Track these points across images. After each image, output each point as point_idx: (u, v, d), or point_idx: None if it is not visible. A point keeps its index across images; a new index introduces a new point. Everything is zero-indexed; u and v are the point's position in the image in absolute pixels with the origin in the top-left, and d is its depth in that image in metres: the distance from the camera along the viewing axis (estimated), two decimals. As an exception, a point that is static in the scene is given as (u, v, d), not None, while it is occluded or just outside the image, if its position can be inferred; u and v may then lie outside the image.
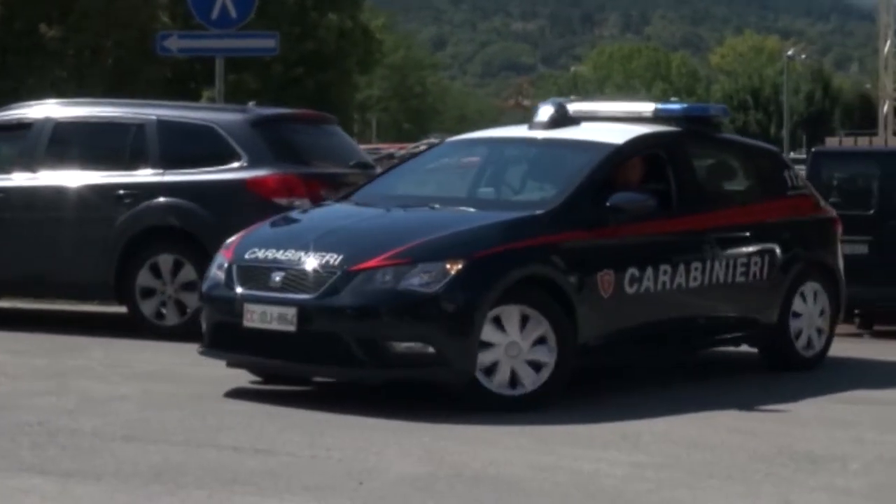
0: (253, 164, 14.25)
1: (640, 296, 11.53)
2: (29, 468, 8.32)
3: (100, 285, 14.58)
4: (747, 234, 12.74)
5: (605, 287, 11.20)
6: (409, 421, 10.11)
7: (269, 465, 8.52)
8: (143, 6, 57.65)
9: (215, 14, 19.60)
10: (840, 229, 13.97)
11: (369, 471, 8.41)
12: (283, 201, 14.05)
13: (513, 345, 10.58)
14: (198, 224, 14.18)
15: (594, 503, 7.81)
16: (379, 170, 16.58)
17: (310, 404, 10.74)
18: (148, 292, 14.33)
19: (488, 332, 10.48)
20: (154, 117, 14.85)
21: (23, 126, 15.16)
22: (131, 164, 14.57)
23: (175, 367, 12.41)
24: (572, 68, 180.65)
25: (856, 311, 16.61)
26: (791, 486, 8.24)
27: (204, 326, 11.32)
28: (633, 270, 11.43)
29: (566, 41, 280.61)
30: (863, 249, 15.85)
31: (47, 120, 15.10)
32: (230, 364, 11.38)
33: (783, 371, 13.00)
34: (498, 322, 10.54)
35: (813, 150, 23.44)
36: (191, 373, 12.07)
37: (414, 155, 14.63)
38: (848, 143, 34.91)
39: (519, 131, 13.02)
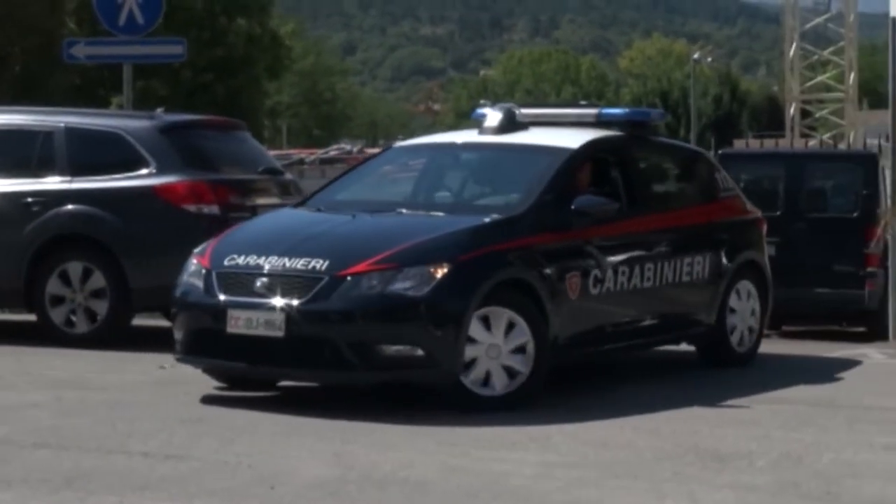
0: (161, 171, 14.22)
1: (601, 296, 11.80)
2: (-61, 476, 8.32)
3: (9, 293, 14.53)
4: (690, 235, 13.08)
5: (572, 289, 11.43)
6: (320, 425, 10.18)
7: (180, 471, 8.53)
8: (49, 13, 57.31)
9: (122, 21, 19.53)
10: (765, 229, 14.39)
11: (280, 475, 8.43)
12: (191, 208, 14.08)
13: (493, 347, 10.76)
14: (107, 231, 14.14)
15: (500, 501, 7.85)
16: (288, 175, 16.67)
17: (221, 410, 10.79)
18: (57, 300, 14.25)
19: (473, 329, 10.66)
20: (62, 125, 14.78)
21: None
22: (39, 171, 14.51)
23: (86, 374, 12.38)
24: (482, 72, 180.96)
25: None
26: (697, 483, 8.32)
27: (178, 334, 11.25)
28: (596, 272, 11.69)
29: (476, 45, 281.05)
30: (770, 251, 16.00)
31: None
32: (207, 370, 11.42)
33: (719, 367, 13.31)
34: (485, 321, 10.72)
35: (720, 152, 23.71)
36: (101, 380, 12.09)
37: (362, 161, 14.61)
38: (755, 144, 35.27)
39: (469, 136, 13.11)
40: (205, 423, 10.17)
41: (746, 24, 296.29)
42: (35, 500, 7.79)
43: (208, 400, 11.22)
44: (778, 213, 18.90)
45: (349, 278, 10.53)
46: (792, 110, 59.83)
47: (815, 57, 63.18)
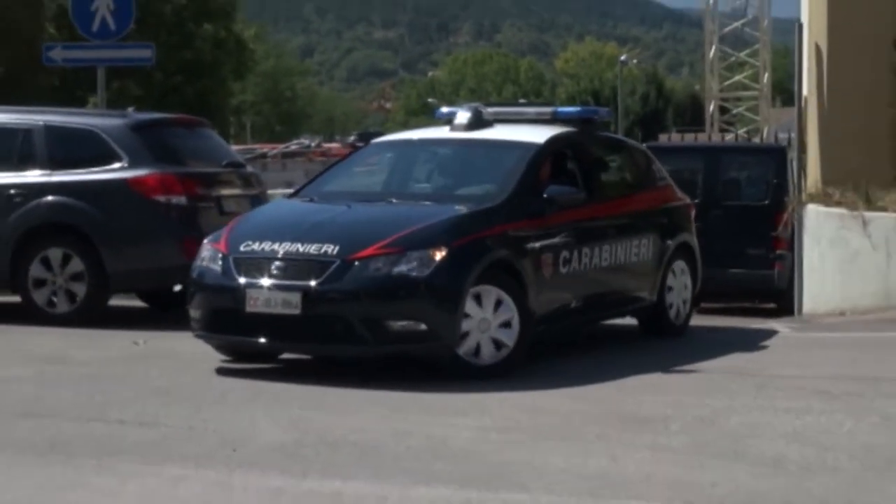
0: (133, 165, 14.22)
1: (569, 275, 12.05)
2: (-67, 443, 8.35)
3: (-6, 277, 14.55)
4: (636, 220, 13.38)
5: (546, 269, 11.67)
6: (280, 393, 10.24)
7: (152, 437, 8.58)
8: (31, 20, 57.01)
9: (96, 26, 19.48)
10: (694, 214, 14.71)
11: (242, 439, 8.47)
12: (161, 198, 14.12)
13: (484, 321, 10.98)
14: (84, 220, 14.14)
15: (443, 463, 7.88)
16: (250, 168, 16.72)
17: (190, 381, 10.83)
18: (40, 283, 14.26)
19: (467, 306, 10.87)
20: (41, 123, 14.78)
21: (-79, 133, 15.02)
22: (21, 165, 14.49)
23: (66, 350, 12.37)
24: (430, 73, 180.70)
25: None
26: (619, 444, 8.38)
27: (196, 313, 11.32)
28: (564, 253, 11.95)
29: (424, 48, 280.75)
30: (692, 235, 16.07)
31: None
32: (219, 345, 11.53)
33: (659, 338, 13.63)
34: (477, 298, 10.92)
35: (646, 145, 23.83)
36: (81, 355, 12.08)
37: (345, 155, 14.66)
38: (678, 139, 35.45)
39: (442, 133, 13.22)
40: (174, 393, 10.21)
41: (671, 29, 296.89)
42: (22, 464, 7.83)
43: (177, 372, 11.27)
44: (697, 201, 19.04)
45: (358, 262, 10.69)
46: (712, 107, 60.08)
47: (733, 58, 63.43)
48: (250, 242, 11.14)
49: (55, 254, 14.24)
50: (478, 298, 10.93)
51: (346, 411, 9.53)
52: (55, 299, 14.28)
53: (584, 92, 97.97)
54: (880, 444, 8.42)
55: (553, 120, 13.38)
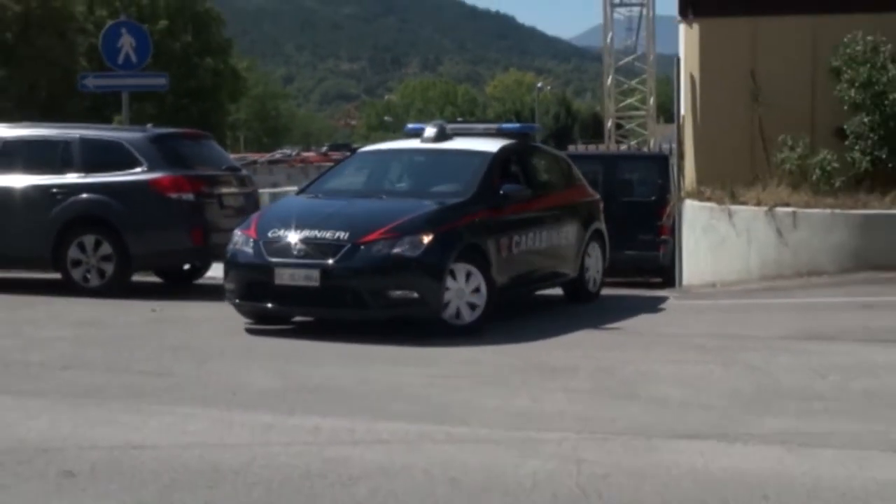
0: (151, 169, 14.12)
1: (519, 254, 12.24)
2: (-8, 390, 8.32)
3: (41, 258, 14.42)
4: (564, 212, 13.51)
5: (503, 249, 11.84)
6: (269, 350, 10.22)
7: (168, 384, 8.57)
8: (67, 53, 56.64)
9: (121, 59, 19.39)
10: (602, 207, 14.87)
11: (240, 386, 8.48)
12: (174, 195, 14.05)
13: (460, 290, 11.14)
14: (112, 213, 14.03)
15: (400, 402, 7.91)
16: (244, 172, 16.64)
17: (197, 341, 10.77)
18: (76, 263, 14.14)
19: (447, 280, 11.03)
20: (77, 135, 14.67)
21: (-20, 143, 14.91)
22: (61, 169, 14.34)
23: (98, 316, 12.28)
24: (386, 97, 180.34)
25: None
26: (538, 388, 8.41)
27: (231, 286, 11.38)
28: (515, 237, 12.14)
29: (381, 77, 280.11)
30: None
31: None
32: (252, 311, 11.48)
33: (579, 304, 13.77)
34: (452, 273, 11.07)
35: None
36: (109, 320, 12.02)
37: (336, 162, 14.57)
38: (583, 149, 35.47)
39: (414, 144, 13.31)
40: (185, 349, 10.18)
41: (577, 62, 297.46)
42: (64, 405, 7.81)
43: (187, 334, 11.21)
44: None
45: (364, 245, 10.83)
46: (609, 124, 60.03)
47: (626, 85, 63.50)
48: (276, 230, 11.24)
49: (89, 240, 14.13)
50: (453, 273, 11.10)
51: (320, 363, 9.53)
52: (89, 276, 14.16)
53: (509, 112, 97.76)
54: (744, 387, 8.47)
55: (498, 134, 13.53)
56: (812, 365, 9.29)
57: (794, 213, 16.16)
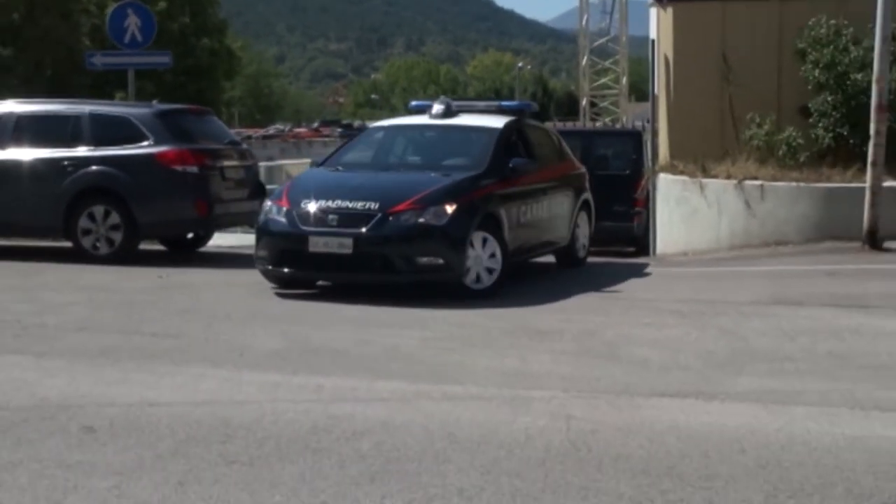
0: (157, 143, 14.07)
1: (525, 223, 12.39)
2: (13, 351, 8.32)
3: (52, 228, 14.39)
4: (559, 183, 13.67)
5: (513, 218, 11.95)
6: (271, 313, 10.22)
7: (178, 345, 8.57)
8: (71, 32, 56.30)
9: (127, 38, 19.33)
10: (587, 178, 14.95)
11: (246, 347, 8.47)
12: (178, 168, 14.02)
13: (478, 257, 11.29)
14: (120, 184, 13.98)
15: (394, 363, 7.93)
16: (244, 145, 16.62)
17: (203, 304, 10.75)
18: (86, 232, 14.12)
19: (468, 249, 11.19)
20: (87, 111, 14.61)
21: (-6, 119, 14.84)
22: (72, 143, 14.28)
23: (108, 282, 12.28)
24: (372, 76, 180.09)
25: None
26: (526, 350, 8.44)
27: (264, 252, 11.41)
28: (523, 207, 12.29)
29: (368, 56, 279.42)
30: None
31: (11, 114, 14.78)
32: (284, 277, 11.46)
33: (569, 268, 13.99)
34: (471, 242, 11.22)
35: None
36: (119, 286, 12.00)
37: (351, 137, 14.57)
38: (560, 126, 35.45)
39: (423, 120, 13.32)
40: (192, 313, 10.18)
41: (553, 43, 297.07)
42: (80, 364, 7.83)
43: (192, 298, 11.19)
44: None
45: (393, 215, 10.93)
46: (584, 102, 60.00)
47: (600, 66, 63.45)
48: (308, 200, 11.29)
49: (98, 210, 14.09)
50: (472, 241, 11.25)
51: (320, 326, 9.53)
52: (98, 244, 14.14)
53: (488, 91, 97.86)
54: (718, 349, 8.51)
55: (498, 110, 13.60)
56: (781, 328, 9.34)
57: (761, 186, 16.22)
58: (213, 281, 12.38)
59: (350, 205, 11.09)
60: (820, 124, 17.43)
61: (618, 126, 42.13)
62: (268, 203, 11.70)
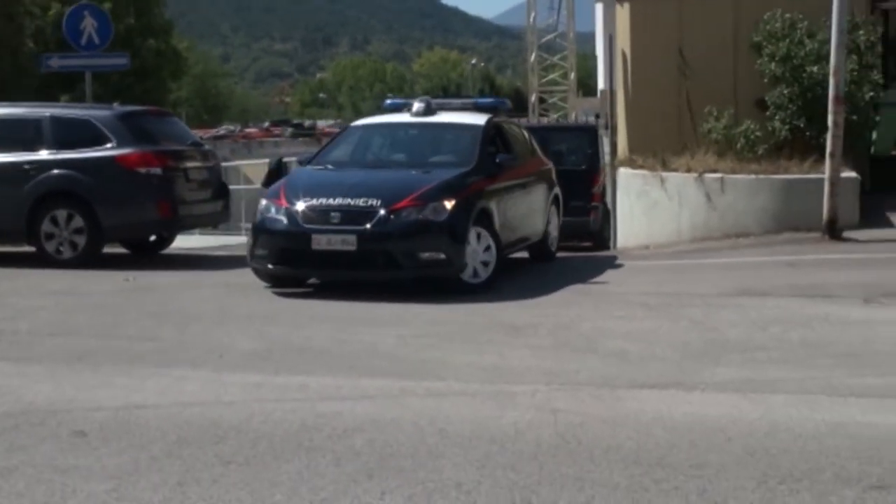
0: (120, 145, 14.01)
1: (511, 217, 12.53)
2: (-11, 357, 8.26)
3: (15, 232, 14.30)
4: (534, 178, 13.83)
5: (501, 212, 12.09)
6: (245, 313, 10.21)
7: (155, 347, 8.55)
8: (14, 34, 55.72)
9: (84, 41, 19.25)
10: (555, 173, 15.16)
11: (225, 348, 8.47)
12: (142, 170, 13.97)
13: (475, 251, 11.45)
14: (83, 188, 13.92)
15: (375, 360, 7.95)
16: (207, 147, 16.59)
17: (174, 306, 10.72)
18: (49, 236, 14.07)
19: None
20: (48, 114, 14.51)
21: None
22: (33, 147, 14.20)
23: (75, 286, 12.23)
24: (318, 75, 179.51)
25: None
26: (503, 345, 8.49)
27: (264, 251, 11.43)
28: (509, 202, 12.46)
29: (313, 56, 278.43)
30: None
31: None
32: (284, 275, 11.51)
33: (542, 262, 14.19)
34: (468, 238, 11.34)
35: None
36: (86, 289, 11.96)
37: (334, 136, 14.51)
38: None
39: (405, 118, 13.40)
40: (164, 315, 10.14)
41: (498, 40, 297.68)
42: (60, 369, 7.79)
43: (161, 301, 11.14)
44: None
45: (396, 211, 11.02)
46: (533, 98, 60.32)
47: (548, 61, 63.76)
48: (306, 199, 11.32)
49: (61, 214, 14.04)
50: (469, 236, 11.36)
51: (296, 325, 9.53)
52: (62, 248, 14.09)
53: (436, 88, 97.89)
54: (692, 340, 8.61)
55: (474, 108, 13.75)
56: (751, 319, 9.48)
57: (721, 178, 16.41)
58: (179, 282, 12.36)
59: (352, 202, 11.15)
60: (777, 117, 17.65)
61: (570, 121, 42.26)
62: (264, 202, 11.68)
